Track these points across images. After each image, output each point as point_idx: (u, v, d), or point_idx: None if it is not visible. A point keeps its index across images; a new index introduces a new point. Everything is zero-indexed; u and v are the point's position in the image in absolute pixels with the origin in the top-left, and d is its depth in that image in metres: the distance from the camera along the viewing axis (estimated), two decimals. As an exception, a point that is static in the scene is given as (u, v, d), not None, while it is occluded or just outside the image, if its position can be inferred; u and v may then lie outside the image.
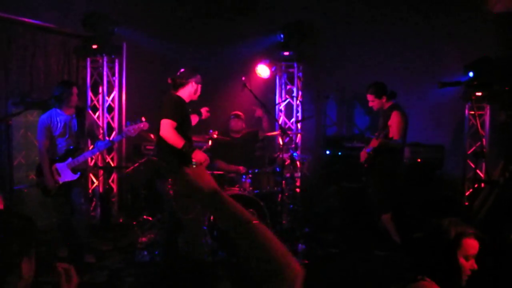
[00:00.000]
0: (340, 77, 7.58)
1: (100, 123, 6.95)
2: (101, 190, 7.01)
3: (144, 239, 5.65)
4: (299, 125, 7.33)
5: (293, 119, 7.44)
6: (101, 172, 7.03)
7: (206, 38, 7.80)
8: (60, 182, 5.01)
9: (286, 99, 7.50)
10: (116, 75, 7.07)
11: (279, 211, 5.78)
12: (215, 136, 5.62)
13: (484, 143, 5.68)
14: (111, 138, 6.32)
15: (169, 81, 4.65)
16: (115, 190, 7.15)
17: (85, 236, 5.26)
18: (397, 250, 5.28)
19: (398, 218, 5.46)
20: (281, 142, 6.14)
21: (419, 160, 6.49)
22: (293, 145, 7.02)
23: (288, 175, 6.34)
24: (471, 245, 2.21)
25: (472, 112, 6.42)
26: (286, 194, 6.42)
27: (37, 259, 1.65)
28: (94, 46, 6.65)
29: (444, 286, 2.15)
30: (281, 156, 5.83)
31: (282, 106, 7.52)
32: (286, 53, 7.21)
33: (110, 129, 7.12)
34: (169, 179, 4.51)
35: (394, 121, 5.35)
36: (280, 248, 1.41)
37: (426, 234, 2.29)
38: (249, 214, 1.51)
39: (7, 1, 5.81)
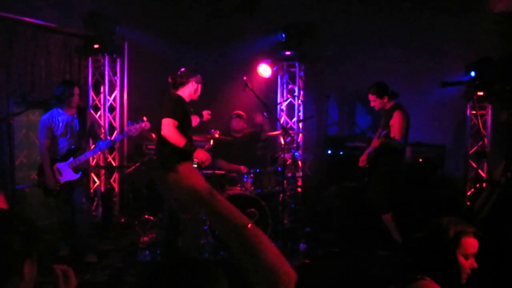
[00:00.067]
0: (341, 77, 7.57)
1: (101, 122, 6.95)
2: (102, 189, 7.02)
3: (145, 238, 5.66)
4: (300, 125, 7.33)
5: (295, 119, 7.44)
6: (103, 171, 7.04)
7: (207, 38, 7.80)
8: (62, 182, 5.02)
9: (287, 98, 7.50)
10: (118, 74, 7.07)
11: (281, 211, 5.79)
12: (216, 135, 5.63)
13: (485, 142, 5.66)
14: (112, 138, 6.34)
15: (170, 80, 4.66)
16: (116, 189, 7.15)
17: (87, 236, 5.27)
18: (399, 250, 5.28)
19: (399, 218, 5.45)
20: (282, 142, 6.13)
21: (420, 159, 6.49)
22: (294, 145, 7.02)
23: (289, 174, 6.34)
24: (471, 244, 2.20)
25: (474, 112, 6.41)
26: (288, 193, 6.43)
27: (39, 259, 1.65)
28: (96, 46, 6.65)
29: (444, 285, 2.15)
30: (282, 155, 5.84)
31: (283, 106, 7.53)
32: (288, 53, 7.21)
33: (111, 128, 7.13)
34: (167, 178, 4.50)
35: (396, 121, 5.34)
36: (274, 253, 1.42)
37: (425, 233, 2.28)
38: (244, 218, 1.49)
39: (9, 0, 5.81)
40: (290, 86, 7.49)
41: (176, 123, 4.39)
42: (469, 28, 6.69)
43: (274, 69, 7.04)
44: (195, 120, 5.16)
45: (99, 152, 5.77)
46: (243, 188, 5.78)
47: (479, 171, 5.98)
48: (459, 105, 6.78)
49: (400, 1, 7.19)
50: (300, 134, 7.26)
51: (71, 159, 5.03)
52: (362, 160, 5.51)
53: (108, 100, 7.05)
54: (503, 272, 4.04)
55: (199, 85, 4.73)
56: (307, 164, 6.98)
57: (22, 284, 1.57)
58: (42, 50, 6.25)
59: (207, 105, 5.50)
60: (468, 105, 6.61)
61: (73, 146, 5.09)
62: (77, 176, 5.06)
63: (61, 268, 1.69)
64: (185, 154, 4.51)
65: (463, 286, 2.22)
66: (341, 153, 7.01)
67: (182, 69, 4.71)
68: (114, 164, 7.14)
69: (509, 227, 4.67)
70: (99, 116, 6.99)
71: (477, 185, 5.74)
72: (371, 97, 5.55)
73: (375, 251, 5.54)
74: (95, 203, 6.87)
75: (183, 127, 4.49)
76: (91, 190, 6.84)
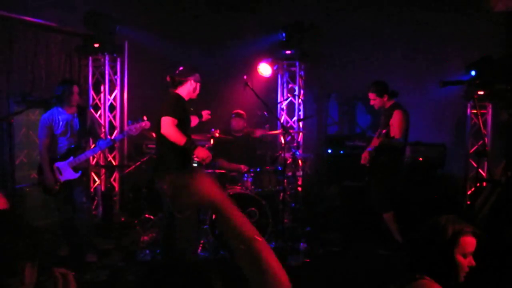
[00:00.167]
0: (342, 76, 7.57)
1: (101, 121, 6.96)
2: (103, 189, 7.02)
3: (145, 238, 5.66)
4: (301, 124, 7.33)
5: (295, 118, 7.44)
6: (103, 171, 7.04)
7: (208, 37, 7.80)
8: (62, 181, 5.02)
9: (287, 97, 7.50)
10: (118, 73, 7.07)
11: (281, 210, 5.78)
12: (217, 134, 5.62)
13: (486, 142, 5.67)
14: (112, 137, 6.34)
15: (168, 79, 4.65)
16: (116, 189, 7.15)
17: (87, 235, 5.27)
18: (399, 250, 5.28)
19: (399, 218, 5.45)
20: (283, 141, 6.13)
21: (420, 159, 6.48)
22: (295, 144, 7.01)
23: (290, 174, 6.33)
24: (469, 242, 2.20)
25: (474, 111, 6.41)
26: (288, 193, 6.42)
27: (39, 262, 1.65)
28: (96, 45, 6.65)
29: (443, 284, 2.15)
30: (283, 155, 5.84)
31: (284, 105, 7.53)
32: (288, 52, 7.20)
33: (111, 127, 7.12)
34: (165, 177, 4.48)
35: (396, 120, 5.34)
36: (277, 266, 1.45)
37: (424, 232, 2.28)
38: (252, 229, 1.50)
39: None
40: (290, 85, 7.49)
41: (175, 121, 4.38)
42: (469, 28, 6.69)
43: (275, 68, 7.04)
44: (194, 121, 5.15)
45: (99, 152, 5.77)
46: (243, 187, 5.77)
47: (480, 170, 5.98)
48: (459, 105, 6.78)
49: (401, 1, 7.18)
50: (301, 133, 7.26)
51: (71, 158, 5.03)
52: (364, 157, 5.51)
53: (108, 100, 7.05)
54: (503, 271, 4.04)
55: (198, 84, 4.70)
56: (308, 163, 6.98)
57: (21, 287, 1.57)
58: (42, 49, 6.25)
59: (208, 104, 5.49)
60: (469, 105, 6.61)
61: (73, 145, 5.09)
62: (77, 175, 5.06)
63: (60, 272, 1.69)
64: (186, 154, 4.51)
65: (461, 284, 2.22)
66: (342, 152, 7.01)
67: (181, 68, 4.70)
68: (114, 164, 7.14)
69: (509, 226, 4.67)
70: (99, 115, 6.99)
71: (478, 184, 5.75)
72: (371, 96, 5.55)
73: (375, 250, 5.53)
74: (95, 203, 6.87)
75: (183, 125, 4.48)
76: (91, 190, 6.84)
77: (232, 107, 6.64)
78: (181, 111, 4.51)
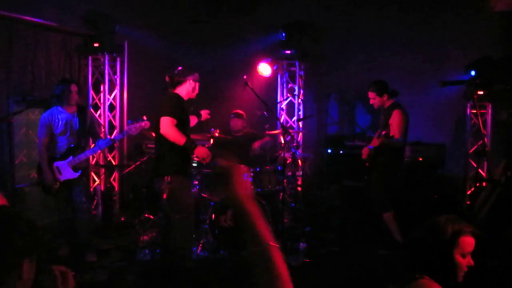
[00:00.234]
0: (341, 76, 7.57)
1: (101, 121, 6.96)
2: (102, 188, 7.02)
3: (145, 237, 5.65)
4: (300, 124, 7.33)
5: (295, 118, 7.44)
6: (103, 170, 7.04)
7: (207, 37, 7.80)
8: (61, 180, 5.02)
9: (287, 97, 7.50)
10: (118, 73, 7.07)
11: (281, 210, 5.78)
12: (216, 134, 5.62)
13: (485, 142, 5.67)
14: (112, 137, 6.34)
15: (167, 79, 4.63)
16: (116, 188, 7.15)
17: (87, 235, 5.27)
18: (399, 249, 5.28)
19: (399, 217, 5.45)
20: (282, 141, 6.13)
21: (420, 159, 6.48)
22: (294, 144, 7.01)
23: (289, 173, 6.34)
24: (468, 242, 2.21)
25: (474, 111, 6.42)
26: (288, 192, 6.42)
27: (38, 259, 1.65)
28: (96, 45, 6.65)
29: (441, 283, 2.15)
30: (282, 154, 5.83)
31: (283, 105, 7.53)
32: (288, 52, 7.21)
33: (111, 127, 7.13)
34: (165, 177, 4.47)
35: (395, 119, 5.34)
36: (285, 273, 1.48)
37: (423, 232, 2.28)
38: (268, 234, 1.53)
39: (9, -1, 5.82)
40: (290, 85, 7.49)
41: (175, 121, 4.36)
42: (469, 28, 6.69)
43: (274, 68, 7.04)
44: (193, 120, 5.14)
45: (99, 151, 5.77)
46: (243, 187, 5.76)
47: (479, 170, 5.98)
48: (459, 105, 6.79)
49: (401, 0, 7.18)
50: (300, 133, 7.26)
51: (71, 157, 5.02)
52: (364, 152, 5.51)
53: (108, 99, 7.05)
54: (503, 271, 4.05)
55: (197, 84, 4.67)
56: (307, 163, 6.98)
57: (20, 283, 1.58)
58: (42, 49, 6.26)
59: (207, 104, 5.49)
60: (468, 104, 6.61)
61: (72, 145, 5.09)
62: (76, 174, 5.06)
63: (59, 269, 1.69)
64: (185, 154, 4.50)
65: (460, 284, 2.22)
66: (341, 152, 7.00)
67: (179, 68, 4.68)
68: (114, 163, 7.15)
69: (509, 226, 4.67)
70: (99, 115, 7.00)
71: (477, 184, 5.74)
72: (371, 95, 5.55)
73: (375, 250, 5.53)
74: (95, 202, 6.87)
75: (182, 125, 4.46)
76: (91, 189, 6.84)
77: (232, 107, 6.64)
78: (180, 111, 4.49)
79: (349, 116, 7.94)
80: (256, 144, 6.34)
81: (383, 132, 5.30)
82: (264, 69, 6.79)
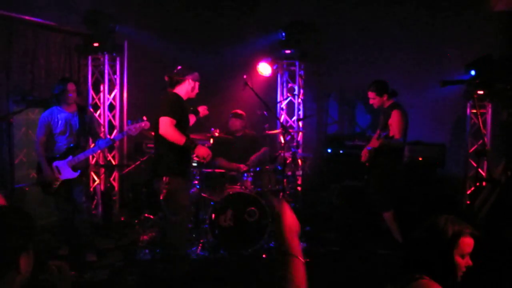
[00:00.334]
0: (341, 76, 7.57)
1: (101, 121, 6.96)
2: (102, 188, 7.02)
3: (145, 237, 5.64)
4: (300, 123, 7.32)
5: (295, 117, 7.44)
6: (103, 170, 7.04)
7: (207, 37, 7.79)
8: (61, 180, 5.01)
9: (287, 97, 7.50)
10: (118, 73, 7.07)
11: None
12: (216, 134, 5.62)
13: (485, 141, 5.66)
14: (112, 137, 6.35)
15: (166, 78, 4.62)
16: (116, 188, 7.15)
17: (87, 235, 5.27)
18: (399, 249, 5.28)
19: (399, 217, 5.45)
20: (282, 140, 6.13)
21: (420, 158, 6.48)
22: (294, 143, 7.00)
23: (289, 173, 6.33)
24: (467, 243, 2.22)
25: (474, 111, 6.41)
26: (288, 192, 6.41)
27: (36, 256, 1.66)
28: (96, 44, 6.66)
29: (441, 283, 2.15)
30: (282, 154, 5.83)
31: (283, 104, 7.52)
32: (288, 51, 7.20)
33: (111, 127, 7.13)
34: (164, 178, 4.46)
35: (395, 120, 5.34)
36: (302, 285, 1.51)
37: (423, 232, 2.28)
38: (296, 244, 1.56)
39: (8, -1, 5.82)
40: (290, 85, 7.49)
41: (174, 121, 4.34)
42: (469, 27, 6.69)
43: (274, 67, 7.03)
44: (191, 119, 5.13)
45: (99, 151, 5.77)
46: (243, 187, 5.77)
47: (479, 170, 5.97)
48: (459, 104, 6.78)
49: (401, 1, 7.18)
50: (300, 133, 7.25)
51: (70, 157, 5.02)
52: (364, 154, 5.52)
53: (108, 99, 7.05)
54: (502, 271, 4.04)
55: (197, 83, 4.65)
56: (307, 163, 6.97)
57: (19, 277, 1.59)
58: (42, 48, 6.26)
59: (207, 104, 5.48)
60: (468, 104, 6.61)
61: (72, 144, 5.09)
62: (76, 174, 5.06)
63: (56, 264, 1.71)
64: (185, 154, 4.49)
65: (458, 284, 2.23)
66: (341, 152, 7.00)
67: (179, 67, 4.67)
68: (113, 163, 7.15)
69: (508, 226, 4.67)
70: (99, 115, 6.99)
71: (477, 184, 5.74)
72: (371, 95, 5.56)
73: (375, 250, 5.53)
74: (95, 202, 6.88)
75: (181, 125, 4.45)
76: (91, 189, 6.84)
77: (232, 106, 6.63)
78: (180, 111, 4.47)
79: (349, 116, 7.94)
80: (252, 158, 6.23)
81: (384, 134, 5.30)
82: (264, 68, 6.78)
